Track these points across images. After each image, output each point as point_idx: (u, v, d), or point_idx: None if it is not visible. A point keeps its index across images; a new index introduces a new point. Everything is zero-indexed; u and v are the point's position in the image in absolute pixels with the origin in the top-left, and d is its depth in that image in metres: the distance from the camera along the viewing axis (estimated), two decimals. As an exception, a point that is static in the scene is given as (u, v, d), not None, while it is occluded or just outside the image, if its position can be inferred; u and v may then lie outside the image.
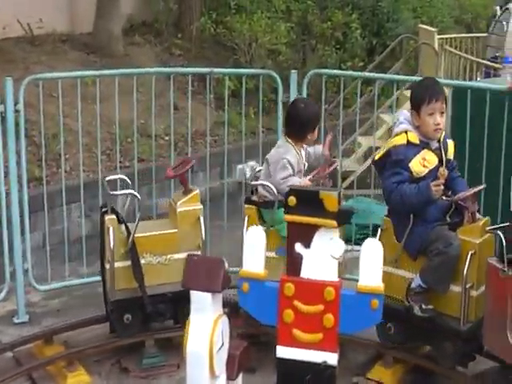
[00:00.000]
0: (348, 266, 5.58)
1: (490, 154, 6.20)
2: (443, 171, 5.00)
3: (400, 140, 5.13)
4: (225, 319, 3.92)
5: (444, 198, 5.08)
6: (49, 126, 7.53)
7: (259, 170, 5.89)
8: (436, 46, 11.44)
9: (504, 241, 4.67)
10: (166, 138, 9.05)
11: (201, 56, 11.81)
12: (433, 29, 12.27)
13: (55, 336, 5.69)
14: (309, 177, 5.60)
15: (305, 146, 5.74)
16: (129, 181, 5.81)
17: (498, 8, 12.62)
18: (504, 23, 11.36)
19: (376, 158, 5.29)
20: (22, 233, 6.29)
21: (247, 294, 3.95)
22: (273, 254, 5.17)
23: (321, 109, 5.95)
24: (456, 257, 4.92)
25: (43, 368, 5.43)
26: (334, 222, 3.82)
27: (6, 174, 6.24)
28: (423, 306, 5.04)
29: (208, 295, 3.84)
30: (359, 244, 4.03)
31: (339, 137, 7.67)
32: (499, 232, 4.75)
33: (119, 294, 5.45)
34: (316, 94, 9.74)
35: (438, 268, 4.96)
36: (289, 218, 3.89)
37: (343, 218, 3.89)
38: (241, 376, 4.07)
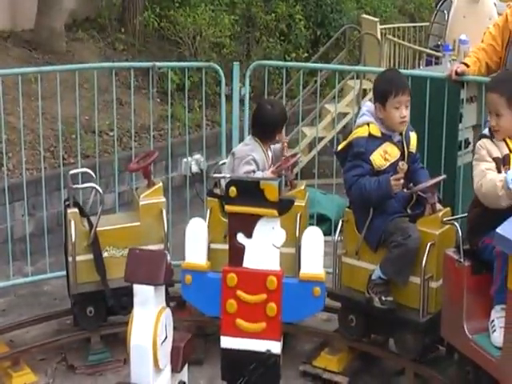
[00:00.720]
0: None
1: (431, 141, 6.24)
2: (402, 165, 4.96)
3: (362, 132, 5.12)
4: (168, 312, 3.93)
5: (405, 190, 5.09)
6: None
7: (220, 164, 5.88)
8: (379, 35, 11.51)
9: (460, 232, 4.71)
10: (111, 133, 8.98)
11: (145, 50, 11.75)
12: (375, 19, 12.34)
13: (0, 336, 5.64)
14: (271, 169, 5.64)
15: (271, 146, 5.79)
16: (93, 174, 5.80)
17: None
18: (445, 12, 11.46)
19: (338, 149, 5.29)
20: (-34, 232, 6.23)
21: (190, 285, 3.95)
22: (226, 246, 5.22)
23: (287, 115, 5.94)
24: (415, 249, 4.94)
25: (-12, 368, 5.36)
26: (275, 212, 3.84)
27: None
28: (383, 298, 5.05)
29: (150, 288, 3.84)
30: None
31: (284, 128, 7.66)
32: (456, 223, 4.82)
33: (82, 287, 5.45)
34: (260, 86, 9.80)
35: (398, 260, 4.97)
36: (230, 208, 3.90)
37: (284, 207, 3.90)
38: (186, 368, 4.08)
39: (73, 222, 5.41)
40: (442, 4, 11.95)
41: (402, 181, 4.95)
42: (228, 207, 3.89)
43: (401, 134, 5.19)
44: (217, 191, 5.63)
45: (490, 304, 4.48)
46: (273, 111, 5.65)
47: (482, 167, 4.53)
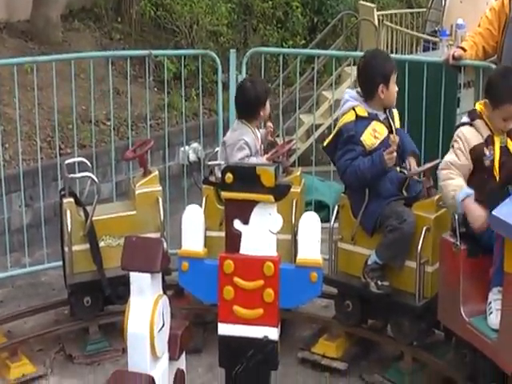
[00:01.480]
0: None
1: (429, 126, 6.24)
2: (394, 138, 5.04)
3: (349, 117, 5.16)
4: (165, 299, 3.91)
5: (398, 169, 5.10)
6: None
7: (215, 152, 5.89)
8: (376, 21, 11.48)
9: (456, 216, 4.71)
10: (108, 123, 8.97)
11: (142, 40, 11.72)
12: (372, 5, 12.32)
13: (-1, 326, 5.64)
14: (266, 156, 5.64)
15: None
16: (89, 164, 5.81)
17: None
18: (442, -2, 11.46)
19: (325, 144, 5.32)
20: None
21: (187, 272, 3.94)
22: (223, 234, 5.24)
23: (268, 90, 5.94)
24: (410, 233, 4.95)
25: (-14, 360, 5.36)
26: (272, 197, 3.82)
27: None
28: (379, 283, 5.07)
29: (147, 276, 3.82)
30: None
31: (281, 115, 7.66)
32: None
33: (78, 277, 5.46)
34: (257, 74, 9.77)
35: (393, 244, 5.00)
36: (226, 195, 3.88)
37: (281, 192, 3.89)
38: (183, 355, 4.08)
39: (68, 212, 5.41)
40: (440, -11, 11.93)
41: (394, 154, 4.99)
42: (224, 193, 3.88)
43: (385, 112, 5.25)
44: (212, 179, 5.62)
45: (487, 287, 4.50)
46: (253, 88, 5.65)
47: (450, 159, 4.67)
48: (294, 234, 5.28)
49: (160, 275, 3.89)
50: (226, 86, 7.01)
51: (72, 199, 5.49)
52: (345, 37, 12.55)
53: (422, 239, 4.91)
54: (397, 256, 5.02)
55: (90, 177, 5.57)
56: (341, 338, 5.47)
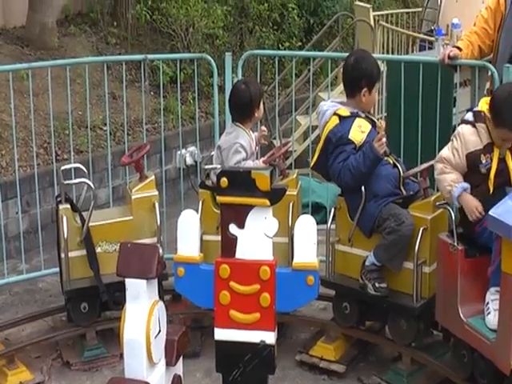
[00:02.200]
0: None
1: (425, 125, 6.22)
2: (380, 123, 5.11)
3: (332, 123, 5.19)
4: (161, 305, 3.89)
5: (390, 160, 5.13)
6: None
7: (210, 157, 5.87)
8: (372, 22, 11.47)
9: (453, 215, 4.71)
10: (105, 128, 8.96)
11: (138, 44, 11.69)
12: (368, 5, 12.30)
13: (-4, 334, 5.63)
14: (263, 159, 5.64)
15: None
16: (85, 169, 5.79)
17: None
18: (438, -4, 11.44)
19: (312, 163, 5.35)
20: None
21: (183, 278, 3.95)
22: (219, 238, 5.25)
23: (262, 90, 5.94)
24: (409, 235, 4.94)
25: (-17, 367, 5.35)
26: (267, 201, 3.82)
27: None
28: (376, 285, 5.06)
29: (143, 282, 3.80)
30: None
31: (277, 117, 7.66)
32: (448, 207, 4.82)
33: (75, 283, 5.46)
34: (254, 76, 9.75)
35: (391, 246, 4.98)
36: (221, 199, 3.89)
37: (276, 196, 3.89)
38: (181, 361, 4.06)
39: (65, 218, 5.40)
40: (436, -12, 11.91)
41: (384, 140, 5.00)
42: (220, 198, 3.88)
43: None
44: (209, 183, 5.61)
45: (485, 287, 4.50)
46: (246, 89, 5.64)
47: (445, 155, 4.71)
48: (291, 237, 5.25)
49: (156, 281, 3.87)
50: (222, 89, 6.99)
51: (68, 205, 5.48)
52: (341, 38, 12.54)
53: (419, 240, 4.90)
54: (395, 258, 5.01)
55: (86, 183, 5.55)
56: (339, 340, 5.45)
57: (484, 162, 4.59)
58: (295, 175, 5.68)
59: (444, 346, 5.07)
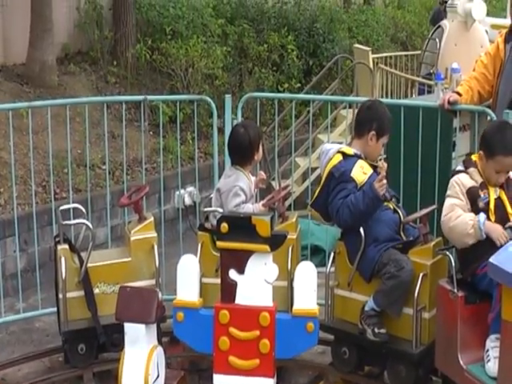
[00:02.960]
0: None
1: (424, 170, 6.24)
2: (382, 164, 5.07)
3: (336, 159, 5.21)
4: (160, 350, 3.89)
5: (391, 206, 5.14)
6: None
7: (209, 199, 5.87)
8: (371, 64, 11.55)
9: (453, 262, 4.72)
10: (103, 167, 8.98)
11: (137, 83, 11.76)
12: (367, 48, 12.39)
13: (-8, 374, 5.60)
14: (262, 202, 5.62)
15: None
16: (83, 210, 5.78)
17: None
18: (437, 40, 11.51)
19: (312, 200, 5.36)
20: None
21: (182, 323, 3.94)
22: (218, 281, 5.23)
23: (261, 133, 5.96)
24: (408, 281, 4.92)
25: (-21, 408, 5.32)
26: (267, 247, 3.85)
27: None
28: (376, 330, 5.03)
29: (142, 326, 3.81)
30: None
31: (276, 158, 7.66)
32: (448, 253, 4.84)
33: (73, 324, 5.41)
34: (253, 117, 9.79)
35: (391, 291, 4.96)
36: (221, 244, 3.91)
37: (276, 242, 3.90)
38: (178, 406, 4.04)
39: (63, 259, 5.37)
40: (434, 32, 12.00)
41: (384, 181, 4.99)
42: (219, 243, 3.89)
43: None
44: (208, 225, 5.61)
45: (485, 334, 4.50)
46: (246, 133, 5.65)
47: (453, 202, 4.71)
48: (291, 281, 5.23)
49: (155, 326, 3.87)
50: (221, 130, 7.02)
51: (67, 246, 5.46)
52: (340, 80, 12.61)
53: (418, 285, 4.89)
54: (395, 303, 4.99)
55: (84, 224, 5.54)
56: (338, 385, 5.41)
57: (482, 196, 4.67)
58: (295, 218, 5.67)
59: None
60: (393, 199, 5.29)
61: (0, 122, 8.65)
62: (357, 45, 13.22)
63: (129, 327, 3.81)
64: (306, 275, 3.86)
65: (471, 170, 4.78)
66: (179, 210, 7.65)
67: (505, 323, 4.13)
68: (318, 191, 5.29)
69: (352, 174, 5.13)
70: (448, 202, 4.75)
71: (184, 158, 9.74)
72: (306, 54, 13.73)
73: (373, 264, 5.05)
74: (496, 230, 4.60)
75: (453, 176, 4.86)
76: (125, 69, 11.73)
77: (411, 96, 11.12)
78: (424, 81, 10.82)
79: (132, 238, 5.57)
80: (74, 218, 5.79)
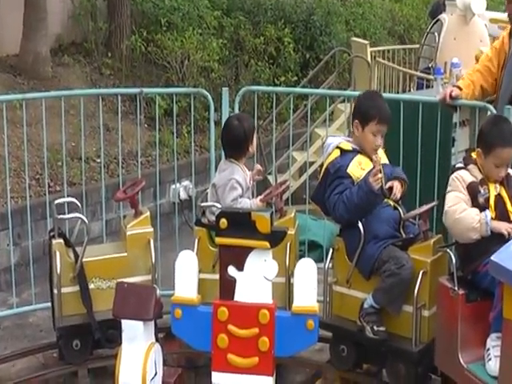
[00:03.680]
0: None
1: (424, 166, 6.23)
2: (375, 158, 5.03)
3: (333, 155, 5.20)
4: (157, 347, 3.88)
5: (391, 203, 5.11)
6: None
7: (205, 194, 5.86)
8: (368, 58, 11.53)
9: (454, 259, 4.72)
10: (98, 160, 8.94)
11: (132, 75, 11.71)
12: (365, 41, 12.36)
13: (-14, 370, 5.58)
14: (260, 197, 5.62)
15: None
16: (78, 203, 5.77)
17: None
18: (435, 34, 11.50)
19: (313, 193, 5.36)
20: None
21: (180, 320, 3.92)
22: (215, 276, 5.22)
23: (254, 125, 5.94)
24: (408, 279, 4.91)
25: (-28, 403, 5.31)
26: (267, 244, 3.83)
27: None
28: (375, 328, 5.01)
29: (139, 323, 3.80)
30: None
31: (273, 152, 7.66)
32: (449, 250, 4.84)
33: (67, 320, 5.40)
34: (250, 111, 9.79)
35: (391, 289, 4.95)
36: (220, 240, 3.90)
37: (276, 239, 3.89)
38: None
39: (58, 254, 5.35)
40: (433, 26, 11.98)
41: (380, 175, 4.97)
42: (218, 239, 3.88)
43: None
44: (204, 220, 5.59)
45: (485, 332, 4.49)
46: (240, 126, 5.65)
47: (457, 194, 4.70)
48: (289, 277, 5.23)
49: (153, 323, 3.84)
50: (218, 123, 6.98)
51: (61, 240, 5.43)
52: (337, 73, 12.59)
53: (418, 283, 4.87)
54: (394, 301, 4.97)
55: (80, 218, 5.52)
56: (335, 382, 5.40)
57: (482, 191, 4.67)
58: (293, 214, 5.66)
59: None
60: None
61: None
62: (354, 38, 13.19)
63: (126, 324, 3.79)
64: (306, 272, 3.86)
65: (471, 166, 4.78)
66: (175, 205, 7.65)
67: (506, 322, 4.11)
68: (319, 181, 5.28)
69: (348, 170, 5.11)
70: (452, 194, 4.73)
71: (179, 152, 9.71)
72: (302, 47, 13.68)
73: (372, 261, 5.03)
74: (502, 225, 4.61)
75: (452, 173, 4.84)
76: (119, 61, 11.69)
77: (409, 90, 11.10)
78: (423, 75, 10.80)
79: (128, 233, 5.55)
80: (69, 212, 5.76)
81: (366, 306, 5.07)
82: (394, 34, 16.87)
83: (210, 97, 6.76)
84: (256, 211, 3.97)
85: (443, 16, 11.71)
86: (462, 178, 4.74)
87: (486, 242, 4.59)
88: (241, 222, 3.83)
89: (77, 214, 5.57)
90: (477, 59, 7.26)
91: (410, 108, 6.29)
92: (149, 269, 5.55)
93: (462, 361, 4.49)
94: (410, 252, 4.99)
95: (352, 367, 5.34)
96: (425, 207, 5.08)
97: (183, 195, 9.12)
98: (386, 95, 7.98)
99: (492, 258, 4.12)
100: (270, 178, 9.76)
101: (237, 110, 6.78)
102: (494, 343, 4.42)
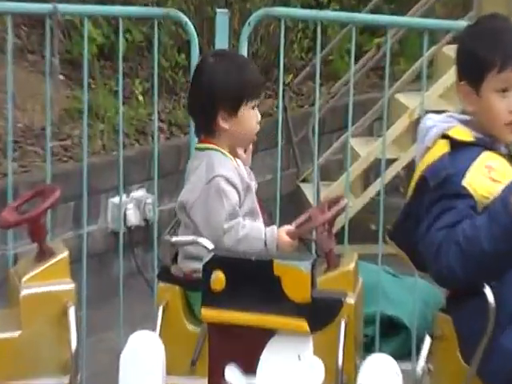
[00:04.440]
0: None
1: None
2: None
3: (437, 151, 5.16)
4: None
5: None
6: None
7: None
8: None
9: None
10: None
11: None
12: None
13: None
14: (288, 227, 5.65)
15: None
16: None
17: None
18: None
19: (392, 226, 5.40)
20: None
21: None
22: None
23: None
24: None
25: None
26: (304, 324, 3.84)
27: None
28: None
29: None
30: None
31: (314, 139, 7.68)
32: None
33: None
34: (269, 54, 9.85)
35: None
36: (211, 314, 3.93)
37: (322, 314, 3.90)
38: None
39: None
40: None
41: None
42: (207, 311, 3.92)
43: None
44: (176, 270, 5.61)
45: None
46: (226, 71, 5.68)
47: None
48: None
49: None
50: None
51: None
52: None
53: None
54: None
55: None
56: None
57: None
58: (353, 264, 5.67)
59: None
60: None
61: None
62: None
63: None
64: (379, 380, 3.84)
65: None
66: (117, 236, 7.65)
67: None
68: (404, 208, 5.29)
69: (466, 182, 5.10)
70: None
71: (128, 132, 9.74)
72: None
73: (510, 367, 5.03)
74: None
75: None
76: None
77: None
78: None
79: (23, 293, 5.60)
80: None
81: None
82: None
83: (189, 24, 6.80)
84: (281, 257, 3.97)
85: None
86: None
87: None
88: (251, 278, 3.86)
89: None
90: None
91: None
92: (65, 363, 5.60)
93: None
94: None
95: None
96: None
97: (134, 219, 9.18)
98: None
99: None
100: (307, 191, 9.78)
101: (245, 51, 6.84)
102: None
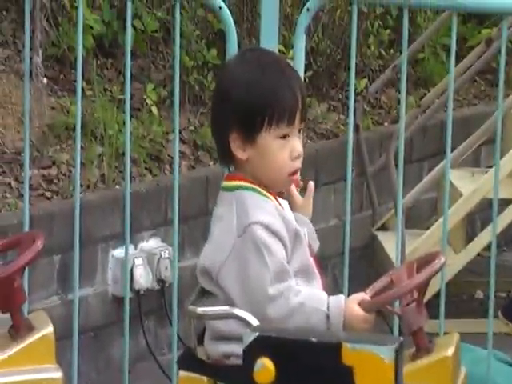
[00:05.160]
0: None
1: None
2: None
3: None
4: None
5: None
6: None
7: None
8: None
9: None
10: None
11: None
12: None
13: None
14: (361, 295, 5.55)
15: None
16: None
17: None
18: None
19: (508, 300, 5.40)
20: None
21: None
22: None
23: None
24: None
25: None
26: None
27: None
28: None
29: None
30: None
31: (399, 169, 7.70)
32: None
33: None
34: (333, 51, 9.88)
35: None
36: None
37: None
38: None
39: None
40: None
41: None
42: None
43: None
44: (202, 353, 5.60)
45: None
46: (256, 77, 5.56)
47: None
48: None
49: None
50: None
51: None
52: None
53: None
54: None
55: None
56: None
57: None
58: (453, 348, 5.67)
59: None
60: None
61: None
62: None
63: None
64: None
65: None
66: (123, 303, 7.68)
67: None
68: None
69: None
70: None
71: (138, 157, 9.77)
72: None
73: None
74: None
75: None
76: None
77: None
78: None
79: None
80: None
81: None
82: None
83: (224, 8, 6.85)
84: (353, 339, 3.97)
85: None
86: None
87: None
88: (311, 370, 3.85)
89: None
90: None
91: None
92: None
93: None
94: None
95: None
96: None
97: (144, 278, 9.20)
98: None
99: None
100: (387, 243, 9.78)
101: (303, 48, 6.85)
102: None
